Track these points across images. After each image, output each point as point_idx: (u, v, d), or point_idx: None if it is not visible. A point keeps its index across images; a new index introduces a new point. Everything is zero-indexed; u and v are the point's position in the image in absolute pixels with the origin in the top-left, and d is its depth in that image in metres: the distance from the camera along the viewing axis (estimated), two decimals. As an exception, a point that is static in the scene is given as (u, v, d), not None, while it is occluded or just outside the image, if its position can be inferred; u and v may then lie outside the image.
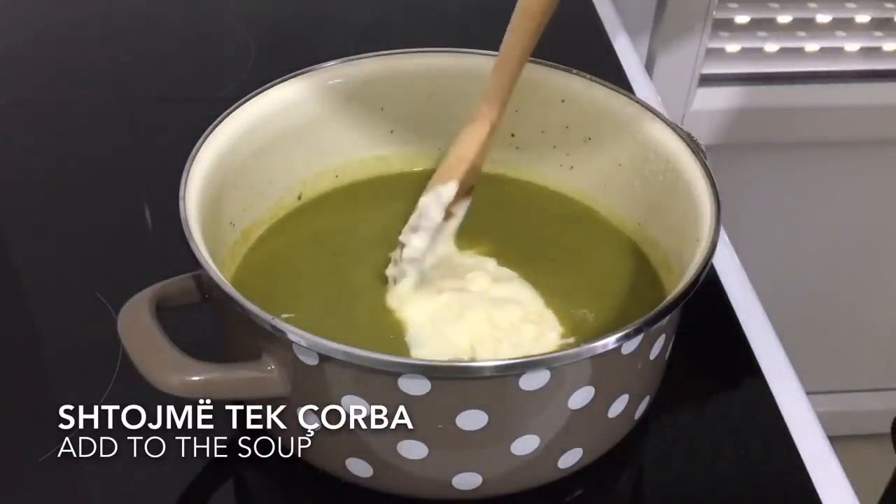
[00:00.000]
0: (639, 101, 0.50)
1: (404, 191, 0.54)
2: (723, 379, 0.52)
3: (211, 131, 0.47)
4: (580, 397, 0.40)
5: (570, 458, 0.43)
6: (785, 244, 1.12)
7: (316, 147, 0.53)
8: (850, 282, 1.18)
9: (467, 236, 0.52)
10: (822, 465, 0.47)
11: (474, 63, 0.53)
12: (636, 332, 0.38)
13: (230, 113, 0.48)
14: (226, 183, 0.48)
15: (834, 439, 0.49)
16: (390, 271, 0.48)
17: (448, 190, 0.49)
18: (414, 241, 0.48)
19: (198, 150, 0.46)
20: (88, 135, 0.68)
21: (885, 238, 1.14)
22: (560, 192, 0.55)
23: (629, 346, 0.39)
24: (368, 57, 0.53)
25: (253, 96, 0.50)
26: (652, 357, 0.42)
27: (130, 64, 0.75)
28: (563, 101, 0.52)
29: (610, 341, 0.38)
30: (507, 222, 0.53)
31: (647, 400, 0.45)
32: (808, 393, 0.51)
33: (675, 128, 0.48)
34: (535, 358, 0.38)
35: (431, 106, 0.54)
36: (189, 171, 0.44)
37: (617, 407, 0.42)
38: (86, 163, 0.65)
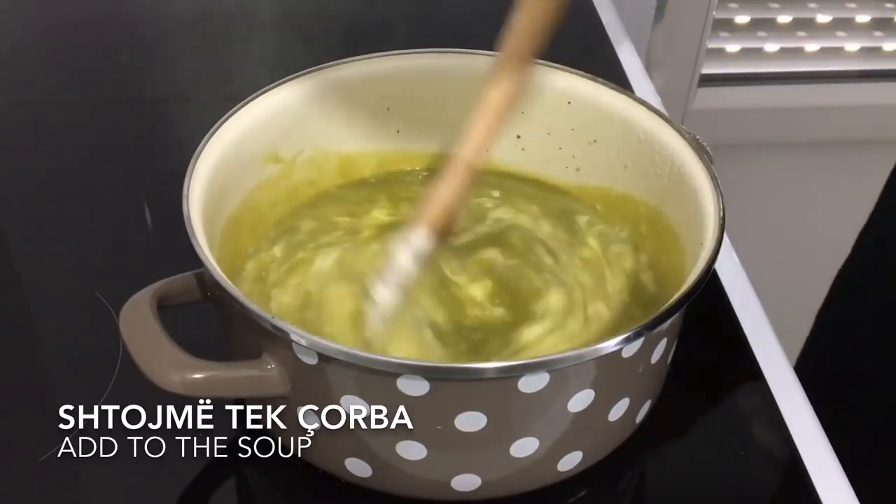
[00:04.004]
0: (645, 104, 0.50)
1: (410, 191, 0.54)
2: (723, 380, 0.52)
3: (216, 130, 0.47)
4: (580, 400, 0.40)
5: (570, 461, 0.43)
6: (785, 244, 1.12)
7: (320, 147, 0.53)
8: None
9: (472, 238, 0.51)
10: (822, 465, 0.47)
11: (480, 64, 0.53)
12: (637, 335, 0.38)
13: (235, 112, 0.48)
14: (229, 182, 0.48)
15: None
16: (369, 311, 0.44)
17: (420, 239, 0.43)
18: (382, 294, 0.43)
19: (202, 149, 0.46)
20: (88, 135, 0.68)
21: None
22: (565, 193, 0.55)
23: (630, 350, 0.39)
24: (374, 57, 0.53)
25: (257, 96, 0.50)
26: (653, 361, 0.42)
27: (130, 64, 0.75)
28: (569, 102, 0.52)
29: (610, 344, 0.38)
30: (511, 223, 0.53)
31: (648, 404, 0.45)
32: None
33: (680, 130, 0.48)
34: (534, 360, 0.38)
35: (437, 106, 0.54)
36: (193, 169, 0.45)
37: (617, 410, 0.42)
38: (86, 163, 0.65)
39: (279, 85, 0.51)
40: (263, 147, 0.50)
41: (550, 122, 0.54)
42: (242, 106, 0.49)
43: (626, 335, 0.38)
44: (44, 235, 0.59)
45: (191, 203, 0.43)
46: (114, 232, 0.59)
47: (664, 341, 0.42)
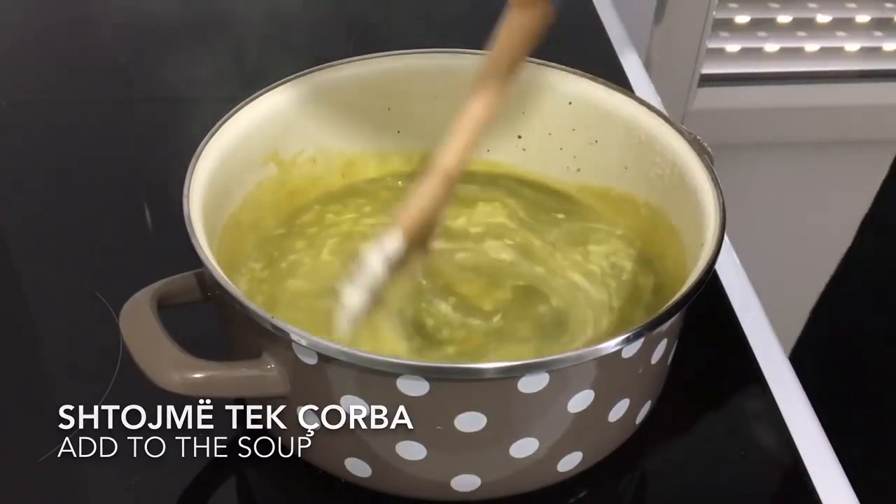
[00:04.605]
0: (646, 104, 0.50)
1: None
2: (723, 380, 0.52)
3: (215, 130, 0.47)
4: (580, 400, 0.40)
5: (569, 462, 0.43)
6: (785, 244, 1.12)
7: (321, 147, 0.53)
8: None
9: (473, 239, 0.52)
10: (822, 465, 0.47)
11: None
12: (637, 335, 0.38)
13: (235, 112, 0.48)
14: (229, 182, 0.48)
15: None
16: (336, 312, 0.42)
17: (393, 244, 0.41)
18: (351, 297, 0.41)
19: (202, 149, 0.46)
20: (88, 135, 0.68)
21: (885, 238, 1.14)
22: (566, 193, 0.55)
23: (630, 350, 0.39)
24: (373, 57, 0.53)
25: (257, 96, 0.50)
26: (653, 361, 0.42)
27: (130, 64, 0.75)
28: (570, 103, 0.52)
29: (610, 345, 0.38)
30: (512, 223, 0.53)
31: (648, 404, 0.45)
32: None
33: (681, 130, 0.48)
34: (534, 360, 0.38)
35: (438, 106, 0.54)
36: (193, 169, 0.45)
37: (618, 411, 0.42)
38: (86, 163, 0.65)
39: (279, 85, 0.51)
40: (263, 147, 0.50)
41: (551, 122, 0.54)
42: (242, 106, 0.49)
43: (626, 335, 0.38)
44: (44, 235, 0.59)
45: (191, 203, 0.43)
46: (114, 232, 0.59)
47: (664, 342, 0.42)
